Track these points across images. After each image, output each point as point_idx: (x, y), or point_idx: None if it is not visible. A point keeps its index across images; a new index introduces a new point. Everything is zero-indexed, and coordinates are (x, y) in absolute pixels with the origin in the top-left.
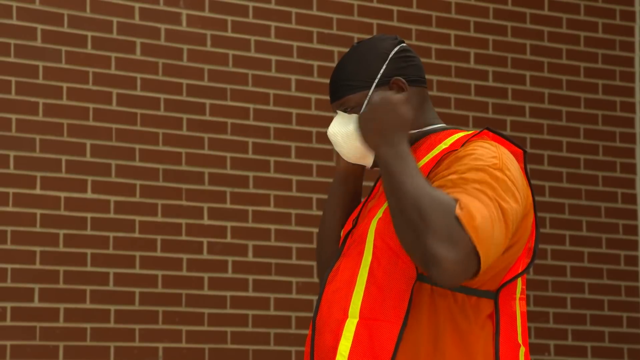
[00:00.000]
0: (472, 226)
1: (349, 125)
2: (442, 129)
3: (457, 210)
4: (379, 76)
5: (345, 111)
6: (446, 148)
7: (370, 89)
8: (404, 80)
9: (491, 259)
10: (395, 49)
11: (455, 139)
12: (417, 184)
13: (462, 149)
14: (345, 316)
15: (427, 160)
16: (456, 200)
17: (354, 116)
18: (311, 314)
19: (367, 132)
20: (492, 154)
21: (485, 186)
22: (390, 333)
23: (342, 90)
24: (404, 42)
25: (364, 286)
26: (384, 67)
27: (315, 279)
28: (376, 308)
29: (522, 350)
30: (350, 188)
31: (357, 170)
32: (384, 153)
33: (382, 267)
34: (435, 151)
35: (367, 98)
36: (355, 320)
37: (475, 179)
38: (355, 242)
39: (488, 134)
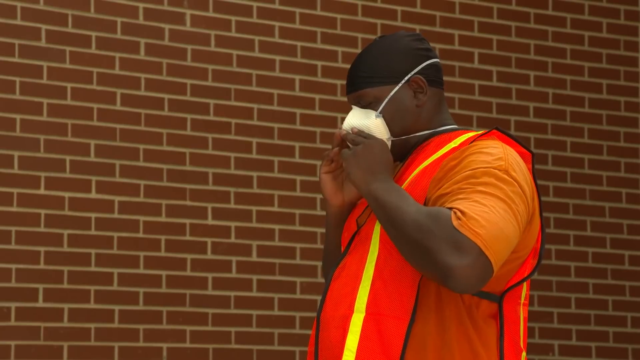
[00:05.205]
0: (473, 232)
1: (366, 119)
2: (453, 130)
3: (454, 221)
4: (410, 75)
5: (361, 106)
6: (455, 147)
7: (389, 84)
8: (424, 80)
9: (503, 256)
10: (419, 47)
11: (465, 138)
12: (413, 208)
13: (468, 148)
14: (351, 311)
15: (435, 157)
16: (452, 209)
17: (371, 112)
18: (315, 314)
19: (357, 170)
20: (498, 155)
21: (492, 188)
22: (398, 328)
23: (361, 83)
24: (425, 41)
25: (370, 281)
26: (409, 64)
27: (320, 279)
28: (383, 303)
29: (523, 355)
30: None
31: (351, 204)
32: (377, 188)
33: (389, 263)
34: (445, 149)
35: (391, 94)
36: (362, 315)
37: (481, 181)
38: (361, 241)
39: (496, 133)
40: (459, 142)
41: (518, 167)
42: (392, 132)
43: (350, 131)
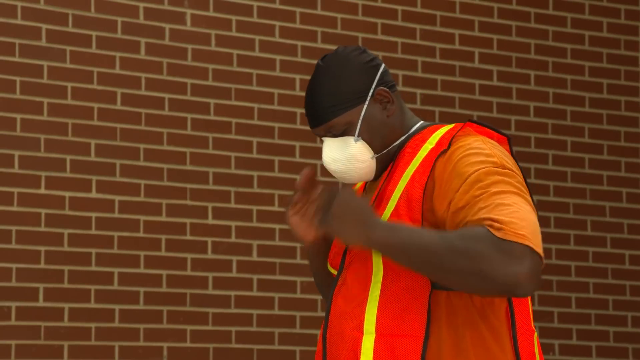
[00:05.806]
0: (519, 235)
1: (347, 148)
2: (423, 127)
3: (496, 232)
4: (372, 90)
5: (333, 135)
6: (433, 148)
7: (356, 106)
8: (386, 89)
9: (541, 245)
10: (368, 59)
11: (439, 136)
12: (434, 237)
13: (454, 152)
14: (360, 333)
15: (417, 164)
16: (481, 223)
17: (349, 138)
18: (315, 314)
19: (347, 230)
20: (487, 152)
21: (502, 185)
22: (413, 347)
23: (328, 114)
24: (368, 50)
25: (377, 302)
26: (367, 80)
27: None
28: (394, 323)
29: (535, 334)
30: (327, 252)
31: (327, 237)
32: (379, 236)
33: (397, 282)
34: (423, 153)
35: (362, 114)
36: (372, 337)
37: (488, 183)
38: (358, 257)
39: (471, 125)
40: (435, 142)
41: (506, 157)
42: (374, 149)
43: (327, 161)
